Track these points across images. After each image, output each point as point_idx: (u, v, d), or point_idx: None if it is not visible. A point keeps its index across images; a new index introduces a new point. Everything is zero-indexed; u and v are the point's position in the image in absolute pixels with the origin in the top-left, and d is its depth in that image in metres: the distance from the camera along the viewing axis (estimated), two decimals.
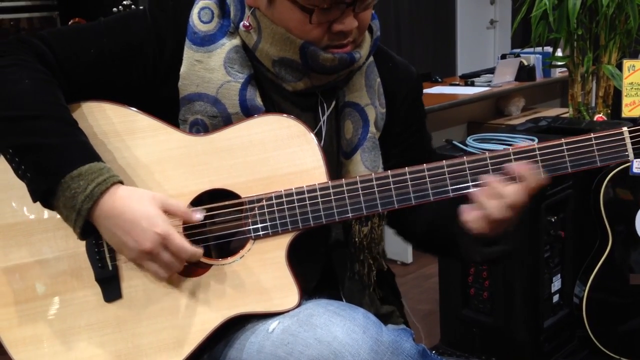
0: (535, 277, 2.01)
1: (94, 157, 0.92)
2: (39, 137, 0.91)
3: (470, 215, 0.95)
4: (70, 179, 0.89)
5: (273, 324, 0.93)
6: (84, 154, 0.92)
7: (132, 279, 0.98)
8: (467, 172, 0.96)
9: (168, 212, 0.92)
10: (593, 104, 2.62)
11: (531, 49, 2.71)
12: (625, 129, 0.95)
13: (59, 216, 0.95)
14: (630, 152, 0.95)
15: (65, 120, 0.94)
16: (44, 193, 0.91)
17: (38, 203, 0.93)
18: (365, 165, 1.04)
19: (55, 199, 0.90)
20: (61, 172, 0.89)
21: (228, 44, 1.01)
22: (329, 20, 0.95)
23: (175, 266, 0.93)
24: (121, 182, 0.93)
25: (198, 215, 0.94)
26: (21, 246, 0.98)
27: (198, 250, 0.93)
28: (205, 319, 0.97)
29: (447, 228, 1.03)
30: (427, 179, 0.96)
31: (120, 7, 2.70)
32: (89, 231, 0.92)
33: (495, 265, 1.10)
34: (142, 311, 0.97)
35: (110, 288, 0.97)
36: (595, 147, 0.95)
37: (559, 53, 2.81)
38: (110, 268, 0.97)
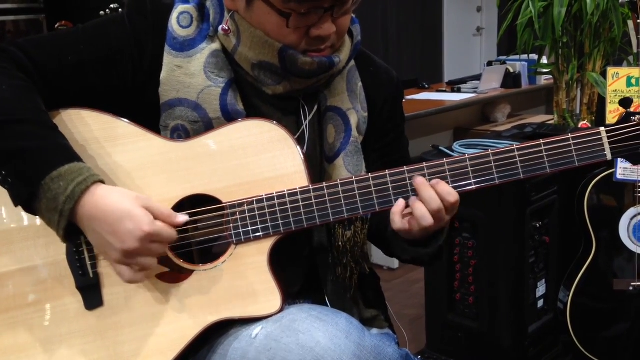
0: (520, 282, 2.02)
1: (74, 157, 0.91)
2: (17, 142, 0.90)
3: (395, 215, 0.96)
4: (50, 180, 0.88)
5: (256, 330, 0.93)
6: (63, 155, 0.91)
7: (113, 286, 0.97)
8: (447, 174, 0.96)
9: (152, 211, 0.91)
10: (578, 111, 2.64)
11: (517, 56, 2.73)
12: (602, 128, 0.96)
13: (39, 224, 0.94)
14: (607, 152, 0.96)
15: (43, 123, 0.93)
16: (26, 198, 0.90)
17: (17, 210, 0.92)
18: (347, 169, 1.04)
19: (37, 202, 0.89)
20: (41, 175, 0.88)
21: (207, 49, 1.01)
22: (306, 25, 0.95)
23: (161, 251, 0.92)
24: (102, 181, 0.92)
25: (181, 217, 0.93)
26: (1, 255, 0.96)
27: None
28: (187, 325, 0.96)
29: (387, 227, 1.04)
30: (408, 181, 0.96)
31: (107, 10, 2.69)
32: (72, 233, 0.91)
33: (423, 266, 1.12)
34: (124, 318, 0.96)
35: (92, 295, 0.96)
36: (573, 147, 0.96)
37: (544, 60, 2.83)
38: (91, 275, 0.96)
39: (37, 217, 0.93)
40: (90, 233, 0.91)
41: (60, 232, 0.90)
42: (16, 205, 0.91)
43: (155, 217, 0.90)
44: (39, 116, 0.93)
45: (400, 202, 0.96)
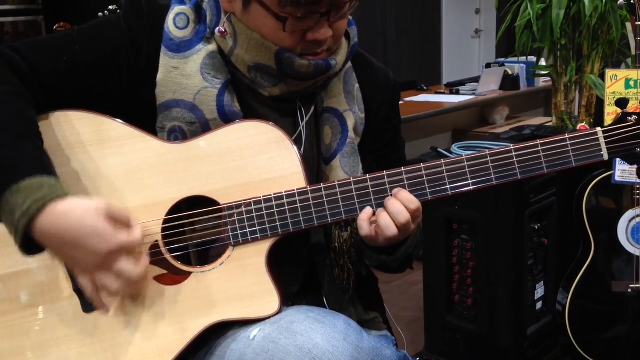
0: (519, 284, 2.02)
1: (39, 170, 0.88)
2: None
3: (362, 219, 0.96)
4: (9, 194, 0.86)
5: (254, 331, 0.93)
6: (28, 168, 0.88)
7: None
8: (445, 174, 0.96)
9: (114, 219, 0.89)
10: (576, 113, 2.65)
11: (515, 58, 2.73)
12: (599, 129, 0.97)
13: None
14: (604, 152, 0.96)
15: (18, 133, 0.91)
16: None
17: None
18: (344, 170, 1.04)
19: None
20: (2, 187, 0.87)
21: (204, 50, 1.01)
22: (303, 29, 0.95)
23: (131, 273, 0.89)
24: (64, 196, 0.87)
25: (136, 230, 0.90)
26: None
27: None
28: (185, 327, 0.96)
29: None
30: (406, 182, 0.96)
31: (105, 11, 2.69)
32: (31, 247, 0.88)
33: (391, 272, 1.11)
34: (121, 321, 0.96)
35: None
36: (570, 148, 0.96)
37: (543, 62, 2.84)
38: None
39: None
40: (55, 251, 0.89)
41: (18, 245, 0.88)
42: None
43: (118, 222, 0.88)
44: (15, 125, 0.91)
45: (368, 210, 0.96)
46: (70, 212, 0.87)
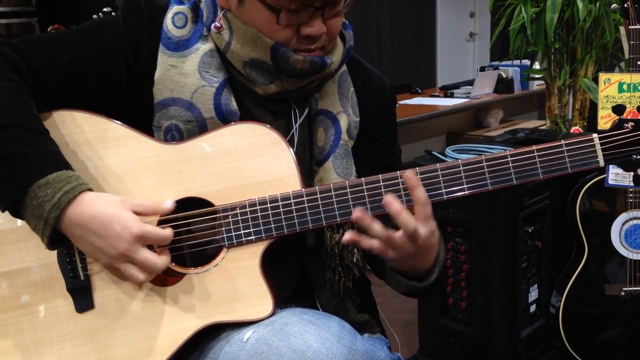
0: (513, 287, 2.03)
1: (63, 165, 0.91)
2: (7, 147, 0.90)
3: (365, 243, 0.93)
4: (37, 187, 0.88)
5: (248, 333, 0.93)
6: (52, 162, 0.91)
7: (104, 289, 0.96)
8: (440, 178, 0.96)
9: (137, 213, 0.92)
10: (570, 117, 2.66)
11: (509, 62, 2.75)
12: (595, 135, 0.96)
13: None
14: (600, 159, 0.96)
15: (34, 129, 0.93)
16: (13, 203, 0.90)
17: (7, 212, 0.92)
18: (337, 172, 1.04)
19: (23, 208, 0.89)
20: (28, 181, 0.88)
21: (202, 49, 1.01)
22: (297, 23, 0.96)
23: (155, 264, 0.90)
24: (90, 190, 0.92)
25: (168, 204, 0.93)
26: None
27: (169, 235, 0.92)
28: (178, 329, 0.96)
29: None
30: (401, 186, 0.96)
31: (99, 13, 2.68)
32: (57, 240, 0.91)
33: (419, 298, 1.09)
34: (115, 321, 0.96)
35: (82, 298, 0.96)
36: (566, 154, 0.96)
37: (537, 66, 2.85)
38: (82, 278, 0.96)
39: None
40: (78, 241, 0.91)
41: (45, 239, 0.90)
42: (3, 210, 0.91)
43: (143, 215, 0.90)
44: (29, 121, 0.93)
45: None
46: (96, 202, 0.90)
